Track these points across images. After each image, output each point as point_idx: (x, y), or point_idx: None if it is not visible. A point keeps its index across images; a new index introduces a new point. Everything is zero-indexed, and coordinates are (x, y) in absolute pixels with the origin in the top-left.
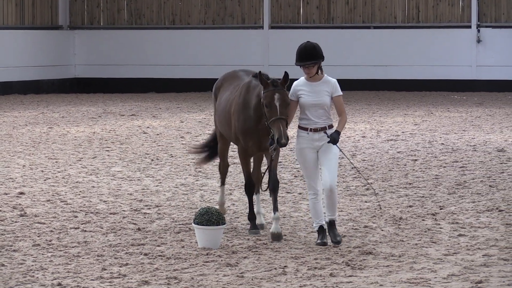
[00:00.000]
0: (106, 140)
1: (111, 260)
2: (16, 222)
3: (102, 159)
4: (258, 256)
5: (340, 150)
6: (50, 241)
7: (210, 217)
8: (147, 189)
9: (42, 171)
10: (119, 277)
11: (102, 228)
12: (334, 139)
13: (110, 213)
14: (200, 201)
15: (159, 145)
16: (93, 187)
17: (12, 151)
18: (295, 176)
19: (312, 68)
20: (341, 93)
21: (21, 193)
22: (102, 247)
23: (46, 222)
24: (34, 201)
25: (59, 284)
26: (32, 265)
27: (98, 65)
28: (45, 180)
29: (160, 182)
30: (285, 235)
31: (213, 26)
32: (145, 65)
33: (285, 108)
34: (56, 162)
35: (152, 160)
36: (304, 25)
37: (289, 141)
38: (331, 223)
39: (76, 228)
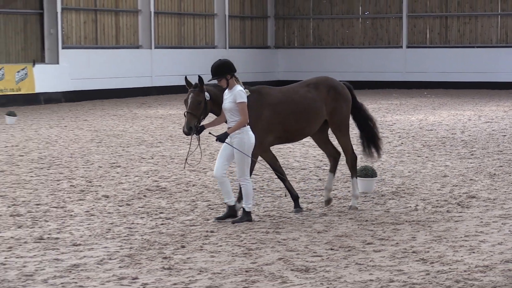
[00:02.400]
0: None
1: (301, 199)
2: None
3: None
4: (399, 198)
5: (234, 148)
6: (261, 187)
7: (367, 172)
8: None
9: None
10: (307, 211)
11: (295, 178)
12: (218, 138)
13: (301, 169)
14: (360, 161)
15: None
16: (290, 151)
17: None
18: (423, 146)
19: (219, 81)
20: (241, 100)
21: None
22: (296, 190)
23: (259, 174)
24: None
25: (269, 214)
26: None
27: (293, 72)
28: (187, 145)
29: None
30: (415, 185)
31: (369, 46)
32: (324, 72)
33: (194, 105)
34: None
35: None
36: (429, 45)
37: (195, 131)
38: (243, 210)
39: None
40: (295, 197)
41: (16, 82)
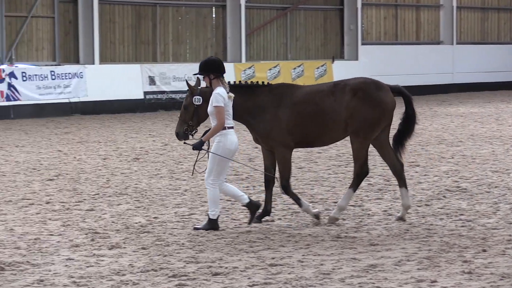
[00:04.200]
0: None
1: None
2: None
3: None
4: None
5: (208, 152)
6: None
7: None
8: None
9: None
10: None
11: None
12: (193, 146)
13: None
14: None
15: None
16: None
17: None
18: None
19: (204, 78)
20: (216, 104)
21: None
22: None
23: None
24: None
25: None
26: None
27: None
28: (489, 144)
29: None
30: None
31: None
32: None
33: (182, 110)
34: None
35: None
36: None
37: (185, 139)
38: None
39: None
40: (256, 207)
41: (315, 79)
